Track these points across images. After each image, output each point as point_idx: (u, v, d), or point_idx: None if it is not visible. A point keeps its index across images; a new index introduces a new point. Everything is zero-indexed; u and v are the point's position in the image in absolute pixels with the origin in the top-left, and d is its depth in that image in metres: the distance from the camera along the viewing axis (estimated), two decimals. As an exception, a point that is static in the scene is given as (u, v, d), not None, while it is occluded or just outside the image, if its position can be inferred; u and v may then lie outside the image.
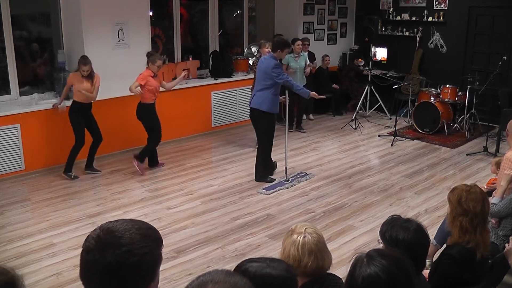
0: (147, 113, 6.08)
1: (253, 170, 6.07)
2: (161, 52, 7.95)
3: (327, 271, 2.27)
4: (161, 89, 6.36)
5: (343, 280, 2.39)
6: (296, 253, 2.16)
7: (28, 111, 6.08)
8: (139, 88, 5.85)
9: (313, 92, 6.05)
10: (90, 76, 5.80)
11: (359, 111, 8.91)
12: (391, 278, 1.65)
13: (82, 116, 5.89)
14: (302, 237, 2.18)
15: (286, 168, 6.07)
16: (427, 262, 3.38)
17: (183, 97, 7.60)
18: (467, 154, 7.18)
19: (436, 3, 9.18)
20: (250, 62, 9.01)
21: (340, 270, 3.86)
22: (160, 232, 3.99)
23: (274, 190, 5.73)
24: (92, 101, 5.96)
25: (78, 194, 5.59)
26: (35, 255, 4.23)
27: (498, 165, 4.46)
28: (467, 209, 2.73)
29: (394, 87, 8.37)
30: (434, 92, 8.30)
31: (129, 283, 1.28)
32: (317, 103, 9.29)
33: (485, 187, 4.36)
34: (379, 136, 8.12)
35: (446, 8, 9.05)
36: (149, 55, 6.10)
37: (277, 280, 1.63)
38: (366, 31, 9.66)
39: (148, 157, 6.32)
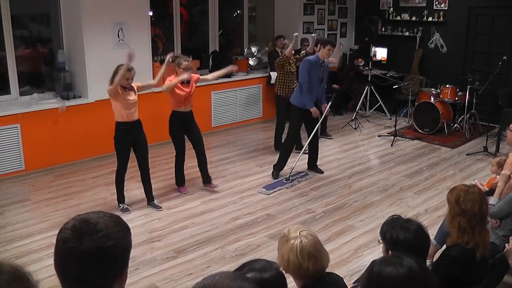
0: (169, 122, 5.46)
1: (253, 170, 6.08)
2: (161, 52, 7.95)
3: (327, 270, 2.27)
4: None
5: (344, 280, 2.39)
6: (295, 259, 2.14)
7: (28, 111, 6.08)
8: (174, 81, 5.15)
9: (314, 108, 6.02)
10: (131, 88, 4.96)
11: (359, 111, 8.91)
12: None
13: (128, 136, 4.96)
14: (298, 242, 2.16)
15: (294, 166, 6.09)
16: (428, 262, 3.38)
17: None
18: (467, 154, 7.18)
19: (436, 3, 9.17)
20: (251, 62, 9.01)
21: (340, 270, 3.87)
22: (160, 232, 4.02)
23: (274, 190, 5.73)
24: (138, 118, 5.03)
25: (78, 194, 5.59)
26: (35, 255, 4.23)
27: (498, 165, 4.47)
28: (465, 209, 2.73)
29: (394, 87, 8.37)
30: (434, 92, 8.30)
31: (107, 268, 1.30)
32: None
33: (486, 188, 4.35)
34: (379, 136, 8.11)
35: (446, 8, 9.05)
36: (174, 59, 5.35)
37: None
38: (366, 31, 9.66)
39: (202, 176, 5.72)
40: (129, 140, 4.99)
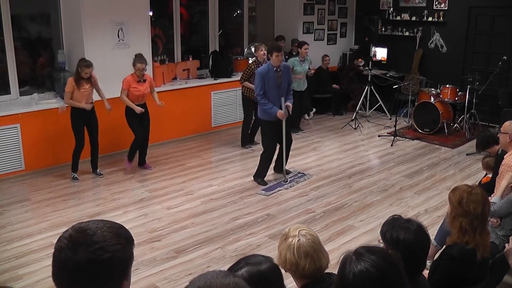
0: (126, 113, 6.09)
1: (254, 170, 6.05)
2: (161, 52, 7.95)
3: (327, 271, 2.26)
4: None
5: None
6: (292, 257, 2.15)
7: (28, 111, 6.08)
8: (126, 97, 5.96)
9: (280, 111, 5.64)
10: (89, 78, 5.75)
11: (359, 111, 8.91)
12: (382, 273, 1.64)
13: (83, 120, 5.85)
14: (296, 240, 2.17)
15: (284, 169, 6.08)
16: (428, 263, 3.38)
17: (183, 97, 7.60)
18: (467, 154, 7.18)
19: (436, 3, 9.17)
20: (251, 62, 9.00)
21: (340, 270, 3.87)
22: (160, 232, 4.01)
23: (273, 191, 5.72)
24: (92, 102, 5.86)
25: (78, 194, 5.59)
26: (35, 255, 4.23)
27: (486, 165, 4.53)
28: (467, 211, 2.72)
29: (394, 87, 8.38)
30: (434, 92, 8.29)
31: (102, 281, 1.26)
32: (317, 103, 9.31)
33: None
34: (379, 136, 8.11)
35: (446, 8, 9.05)
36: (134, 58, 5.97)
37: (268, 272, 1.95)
38: (366, 31, 9.65)
39: (139, 157, 6.41)
40: (82, 122, 5.85)
